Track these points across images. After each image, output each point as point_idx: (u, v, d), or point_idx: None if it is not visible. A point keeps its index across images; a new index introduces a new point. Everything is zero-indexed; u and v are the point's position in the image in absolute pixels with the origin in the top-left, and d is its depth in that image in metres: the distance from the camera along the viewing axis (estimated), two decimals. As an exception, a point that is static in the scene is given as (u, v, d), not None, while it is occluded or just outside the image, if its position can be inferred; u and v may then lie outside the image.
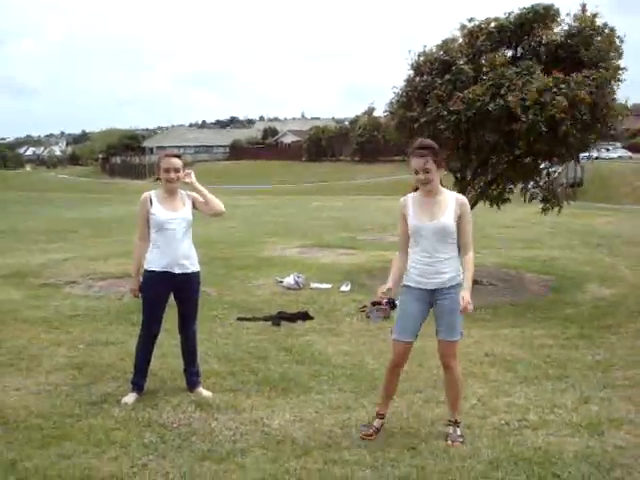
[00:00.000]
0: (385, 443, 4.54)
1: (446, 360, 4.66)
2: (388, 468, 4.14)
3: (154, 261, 5.33)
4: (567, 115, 8.61)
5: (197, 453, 4.35)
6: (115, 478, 3.97)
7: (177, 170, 5.37)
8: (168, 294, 5.44)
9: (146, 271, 5.37)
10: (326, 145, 65.89)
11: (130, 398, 5.30)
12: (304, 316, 8.17)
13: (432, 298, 4.55)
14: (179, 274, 5.33)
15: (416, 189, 4.58)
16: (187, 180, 5.38)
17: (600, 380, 5.91)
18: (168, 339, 6.83)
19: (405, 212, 4.55)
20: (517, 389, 5.68)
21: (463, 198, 4.60)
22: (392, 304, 8.62)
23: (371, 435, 4.59)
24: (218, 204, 5.43)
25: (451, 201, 4.51)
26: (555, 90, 8.66)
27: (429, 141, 4.53)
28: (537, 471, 4.08)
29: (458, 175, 10.51)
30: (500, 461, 4.22)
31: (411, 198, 4.57)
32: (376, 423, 4.70)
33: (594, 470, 4.05)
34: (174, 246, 5.30)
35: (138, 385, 5.42)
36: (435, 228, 4.46)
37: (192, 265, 5.42)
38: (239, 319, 8.03)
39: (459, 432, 4.61)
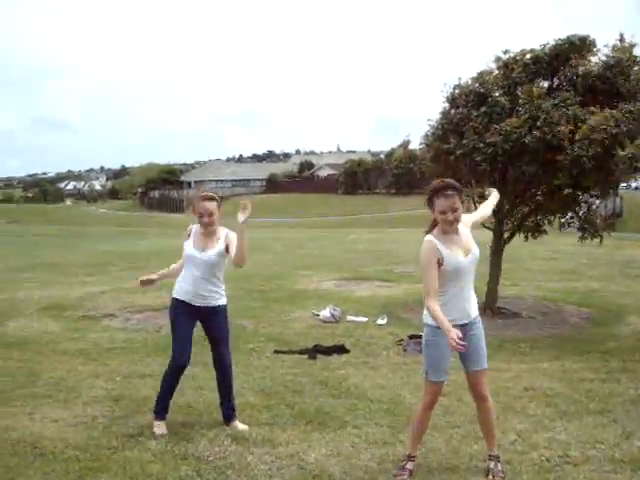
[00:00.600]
0: (423, 478, 4.47)
1: (482, 390, 4.61)
2: (426, 504, 4.08)
3: (179, 290, 5.53)
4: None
5: (232, 487, 4.33)
6: (151, 511, 3.97)
7: (211, 214, 5.42)
8: (194, 322, 5.53)
9: (173, 298, 5.56)
10: (362, 178, 65.99)
11: (162, 427, 5.36)
12: (340, 349, 8.13)
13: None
14: (202, 307, 5.46)
15: (431, 229, 4.53)
16: (240, 218, 5.18)
17: (643, 415, 5.76)
18: (204, 372, 6.88)
19: (439, 255, 4.38)
20: (557, 424, 5.55)
21: (463, 217, 4.56)
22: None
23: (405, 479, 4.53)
24: (245, 258, 5.38)
25: (465, 230, 4.58)
26: (605, 127, 8.52)
27: (453, 181, 4.51)
28: (579, 509, 3.98)
29: (495, 208, 10.41)
30: (541, 498, 4.13)
31: (436, 239, 4.45)
32: (409, 466, 4.59)
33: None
34: (193, 282, 5.44)
35: (161, 415, 5.47)
36: (472, 261, 4.50)
37: (214, 300, 5.51)
38: (275, 352, 8.03)
39: (500, 467, 4.54)
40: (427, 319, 4.51)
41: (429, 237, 4.45)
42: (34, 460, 4.73)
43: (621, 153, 8.38)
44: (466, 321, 4.52)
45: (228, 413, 5.57)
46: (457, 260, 4.42)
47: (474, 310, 4.60)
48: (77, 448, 4.94)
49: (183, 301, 5.47)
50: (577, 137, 8.59)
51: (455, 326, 4.31)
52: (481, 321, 4.59)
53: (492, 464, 4.58)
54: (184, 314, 5.47)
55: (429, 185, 4.59)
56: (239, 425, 5.49)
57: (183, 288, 5.50)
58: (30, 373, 6.99)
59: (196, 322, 5.54)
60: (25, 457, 4.78)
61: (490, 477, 4.45)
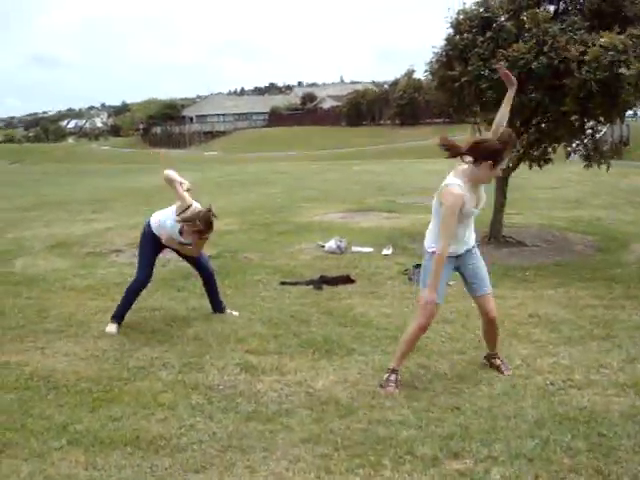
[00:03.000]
0: (429, 403, 4.56)
1: (492, 312, 4.97)
2: (432, 427, 4.16)
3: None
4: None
5: (243, 414, 4.43)
6: (164, 439, 4.07)
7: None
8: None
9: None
10: (366, 109, 65.23)
11: (114, 328, 6.26)
12: (346, 280, 8.17)
13: (458, 262, 4.90)
14: None
15: (460, 174, 4.70)
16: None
17: (647, 340, 5.82)
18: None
19: (462, 202, 4.59)
20: (562, 349, 5.62)
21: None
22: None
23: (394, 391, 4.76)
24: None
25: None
26: (613, 50, 8.33)
27: None
28: (582, 430, 4.06)
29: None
30: (545, 420, 4.21)
31: (463, 189, 4.61)
32: (393, 377, 4.85)
33: (640, 429, 4.02)
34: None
35: (118, 319, 6.38)
36: (477, 213, 4.83)
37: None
38: (282, 283, 8.08)
39: (505, 361, 5.09)
40: (429, 247, 4.76)
41: (459, 188, 4.59)
42: (48, 393, 4.83)
43: (627, 73, 8.21)
44: (464, 251, 4.87)
45: (220, 307, 6.73)
46: (471, 210, 4.68)
47: (472, 240, 4.96)
48: (89, 380, 5.04)
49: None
50: (587, 58, 8.40)
51: (451, 257, 4.74)
52: (478, 247, 5.05)
53: (498, 361, 5.14)
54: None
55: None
56: (233, 312, 6.69)
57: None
58: (40, 309, 7.07)
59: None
60: (39, 391, 4.87)
61: (503, 369, 5.06)
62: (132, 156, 56.18)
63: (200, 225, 5.91)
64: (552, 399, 4.55)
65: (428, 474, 3.60)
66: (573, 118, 9.53)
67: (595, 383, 4.82)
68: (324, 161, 37.31)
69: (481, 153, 4.55)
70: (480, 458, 3.77)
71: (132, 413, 4.45)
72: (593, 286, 7.87)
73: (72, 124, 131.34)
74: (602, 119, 9.95)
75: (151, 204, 16.41)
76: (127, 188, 22.13)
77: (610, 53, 8.26)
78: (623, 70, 8.21)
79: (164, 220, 6.27)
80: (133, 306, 6.48)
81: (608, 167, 10.19)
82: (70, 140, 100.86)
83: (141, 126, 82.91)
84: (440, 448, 3.87)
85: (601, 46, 8.35)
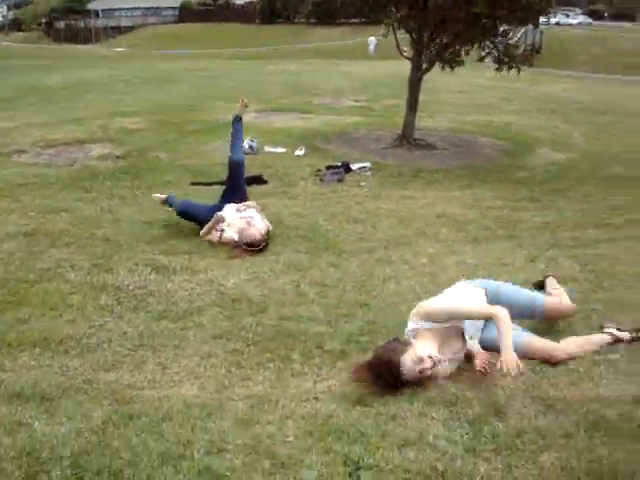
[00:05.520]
0: (338, 299, 4.67)
1: None
2: (341, 323, 4.28)
3: None
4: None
5: (154, 313, 4.43)
6: (73, 339, 4.03)
7: None
8: None
9: None
10: (281, 7, 63.37)
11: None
12: (258, 180, 8.11)
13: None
14: None
15: None
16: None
17: (548, 240, 6.09)
18: (122, 207, 6.83)
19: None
20: (467, 248, 5.83)
21: None
22: (347, 167, 8.65)
23: None
24: None
25: None
26: None
27: None
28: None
29: (415, 36, 10.28)
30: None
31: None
32: None
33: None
34: None
35: None
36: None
37: None
38: (192, 184, 7.95)
39: None
40: None
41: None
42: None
43: None
44: None
45: None
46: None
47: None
48: (-5, 284, 4.89)
49: None
50: None
51: None
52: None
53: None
54: None
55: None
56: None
57: None
58: (-61, 211, 6.74)
59: None
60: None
61: None
62: (35, 52, 53.06)
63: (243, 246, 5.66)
64: (456, 295, 4.73)
65: (336, 366, 3.72)
66: (484, 21, 9.55)
67: (499, 279, 5.02)
68: (237, 60, 36.30)
69: None
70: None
71: (40, 315, 4.37)
72: (499, 188, 8.11)
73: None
74: (512, 23, 10.02)
75: (55, 102, 15.73)
76: (31, 86, 20.97)
77: None
78: None
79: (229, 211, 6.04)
80: (38, 207, 6.24)
81: (519, 71, 10.33)
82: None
83: (44, 20, 78.04)
84: (348, 342, 3.99)
85: None
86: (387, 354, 3.43)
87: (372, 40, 38.14)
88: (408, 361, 3.40)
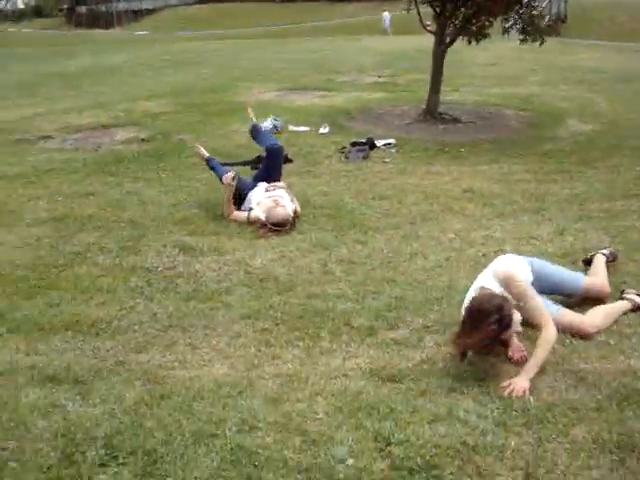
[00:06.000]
0: (366, 277, 4.67)
1: None
2: (369, 300, 4.28)
3: None
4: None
5: (183, 294, 4.46)
6: (104, 322, 4.08)
7: None
8: None
9: None
10: (300, -16, 62.86)
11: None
12: (284, 159, 8.09)
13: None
14: None
15: None
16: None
17: (576, 213, 6.00)
18: (148, 189, 6.88)
19: None
20: (494, 223, 5.77)
21: None
22: (372, 144, 8.60)
23: None
24: None
25: None
26: None
27: None
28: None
29: (438, 9, 10.15)
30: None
31: None
32: None
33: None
34: None
35: None
36: None
37: None
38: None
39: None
40: None
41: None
42: (-17, 283, 4.74)
43: None
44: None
45: None
46: None
47: None
48: (26, 268, 4.94)
49: None
50: None
51: None
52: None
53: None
54: None
55: None
56: None
57: None
58: (-32, 197, 6.84)
59: None
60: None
61: None
62: (57, 39, 53.31)
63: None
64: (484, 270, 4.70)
65: (365, 343, 3.73)
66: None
67: (526, 254, 4.97)
68: (258, 39, 36.15)
69: None
70: (415, 327, 3.91)
71: (71, 298, 4.42)
72: (526, 161, 8.01)
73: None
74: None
75: (79, 88, 15.83)
76: (54, 73, 21.10)
77: None
78: None
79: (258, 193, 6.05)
80: (66, 192, 6.29)
81: (542, 42, 10.17)
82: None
83: (65, 6, 78.24)
84: (376, 319, 4.00)
85: None
86: (496, 300, 3.43)
87: (386, 15, 36.33)
88: (517, 316, 3.47)
